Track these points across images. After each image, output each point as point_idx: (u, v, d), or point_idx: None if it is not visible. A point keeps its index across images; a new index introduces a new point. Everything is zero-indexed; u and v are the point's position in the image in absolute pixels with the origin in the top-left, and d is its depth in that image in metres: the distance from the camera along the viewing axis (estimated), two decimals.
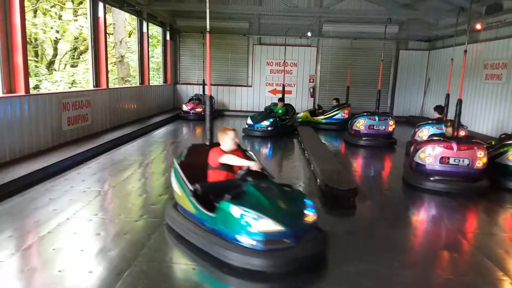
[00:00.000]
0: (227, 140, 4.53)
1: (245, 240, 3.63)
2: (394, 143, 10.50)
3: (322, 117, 13.42)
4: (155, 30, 18.71)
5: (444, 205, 5.99)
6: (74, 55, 20.08)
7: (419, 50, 16.95)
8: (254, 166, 4.17)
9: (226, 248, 3.69)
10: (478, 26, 11.63)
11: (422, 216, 5.67)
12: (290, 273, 3.62)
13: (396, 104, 17.47)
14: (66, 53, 20.17)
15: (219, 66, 17.20)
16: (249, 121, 11.29)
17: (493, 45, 11.71)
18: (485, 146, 6.60)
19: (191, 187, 4.19)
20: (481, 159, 6.33)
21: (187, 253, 4.02)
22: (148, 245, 4.13)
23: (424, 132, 8.71)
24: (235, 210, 3.70)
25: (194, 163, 4.65)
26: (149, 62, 14.67)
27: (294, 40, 16.79)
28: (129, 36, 20.39)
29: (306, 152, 8.58)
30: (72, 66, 19.96)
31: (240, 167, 4.26)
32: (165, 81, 16.54)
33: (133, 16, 13.56)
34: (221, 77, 17.29)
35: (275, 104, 12.88)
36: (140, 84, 13.70)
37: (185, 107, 14.58)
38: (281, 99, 12.85)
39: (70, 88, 17.12)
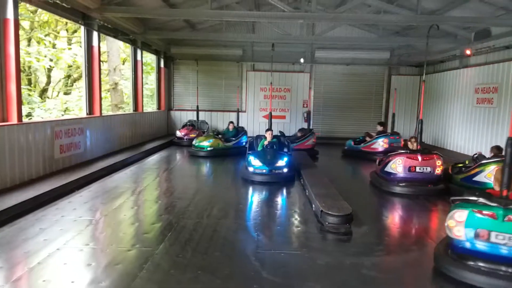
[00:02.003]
0: None
1: None
2: (317, 153, 12.67)
3: (234, 141, 12.73)
4: (149, 58, 18.88)
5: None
6: (67, 83, 20.13)
7: (411, 76, 17.20)
8: None
9: None
10: (468, 52, 11.87)
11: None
12: None
13: (389, 129, 17.56)
14: (59, 81, 20.22)
15: (213, 92, 17.34)
16: (257, 162, 8.53)
17: (483, 70, 11.92)
18: (455, 163, 8.37)
19: None
20: (439, 167, 7.71)
21: (180, 283, 3.92)
22: (141, 275, 4.03)
23: (384, 141, 11.94)
24: None
25: None
26: (143, 89, 14.74)
27: (287, 66, 17.01)
28: (123, 64, 20.55)
29: (301, 178, 8.54)
30: (65, 93, 19.98)
31: None
32: (158, 107, 16.58)
33: (128, 44, 13.70)
34: (215, 102, 17.40)
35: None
36: (133, 111, 13.71)
37: (178, 133, 14.58)
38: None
39: (63, 115, 17.09)
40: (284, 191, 8.19)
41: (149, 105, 20.00)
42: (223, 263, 4.42)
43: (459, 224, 4.06)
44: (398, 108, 17.21)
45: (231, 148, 12.39)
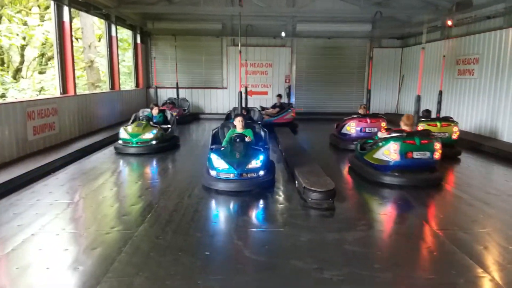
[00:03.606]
0: None
1: None
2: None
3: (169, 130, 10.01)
4: (125, 34, 18.28)
5: None
6: (42, 62, 19.44)
7: (392, 48, 17.09)
8: None
9: None
10: (449, 23, 11.75)
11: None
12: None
13: (372, 102, 17.49)
14: (33, 60, 19.51)
15: (193, 68, 16.94)
16: (221, 164, 6.21)
17: (465, 41, 11.86)
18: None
19: None
20: (384, 127, 9.21)
21: (159, 265, 3.81)
22: (119, 259, 3.90)
23: (293, 111, 13.27)
24: None
25: None
26: (120, 66, 14.28)
27: (268, 41, 16.68)
28: (99, 41, 19.89)
29: (283, 154, 8.44)
30: (40, 72, 19.32)
31: None
32: (137, 85, 16.14)
33: (102, 20, 13.19)
34: (195, 79, 17.02)
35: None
36: (110, 89, 13.30)
37: None
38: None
39: (37, 95, 16.55)
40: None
41: (128, 83, 19.51)
42: (204, 244, 4.31)
43: (395, 151, 6.51)
44: (380, 80, 17.16)
45: (171, 139, 9.74)
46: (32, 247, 4.16)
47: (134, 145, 8.88)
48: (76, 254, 4.03)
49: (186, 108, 15.30)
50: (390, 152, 6.55)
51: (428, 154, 6.57)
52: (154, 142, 9.00)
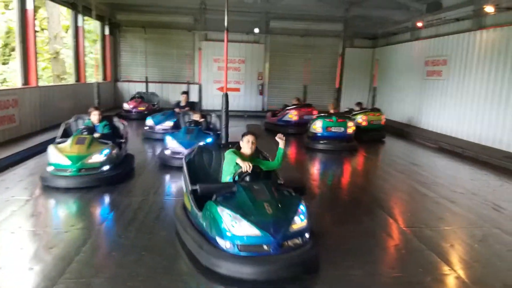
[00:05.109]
0: None
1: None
2: None
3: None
4: (93, 25, 17.69)
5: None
6: (5, 52, 18.58)
7: (364, 48, 17.24)
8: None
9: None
10: (419, 24, 11.95)
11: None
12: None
13: (343, 101, 17.61)
14: None
15: (164, 62, 16.57)
16: (244, 227, 3.42)
17: (434, 42, 12.06)
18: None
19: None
20: (316, 112, 11.21)
21: (121, 266, 3.61)
22: (77, 259, 3.68)
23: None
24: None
25: None
26: (87, 58, 13.77)
27: (241, 36, 16.48)
28: (66, 32, 19.19)
29: None
30: (3, 63, 18.46)
31: None
32: (104, 78, 15.62)
33: (70, 10, 12.69)
34: (166, 74, 16.65)
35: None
36: (76, 81, 12.80)
37: (126, 106, 13.75)
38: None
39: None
40: None
41: (95, 76, 18.88)
42: (170, 243, 4.14)
43: (319, 126, 9.36)
44: (352, 80, 17.26)
45: (124, 162, 6.69)
46: None
47: (74, 173, 5.71)
48: (32, 254, 3.80)
49: (155, 103, 14.89)
50: (316, 127, 9.44)
51: (342, 129, 9.43)
52: (106, 167, 5.97)
